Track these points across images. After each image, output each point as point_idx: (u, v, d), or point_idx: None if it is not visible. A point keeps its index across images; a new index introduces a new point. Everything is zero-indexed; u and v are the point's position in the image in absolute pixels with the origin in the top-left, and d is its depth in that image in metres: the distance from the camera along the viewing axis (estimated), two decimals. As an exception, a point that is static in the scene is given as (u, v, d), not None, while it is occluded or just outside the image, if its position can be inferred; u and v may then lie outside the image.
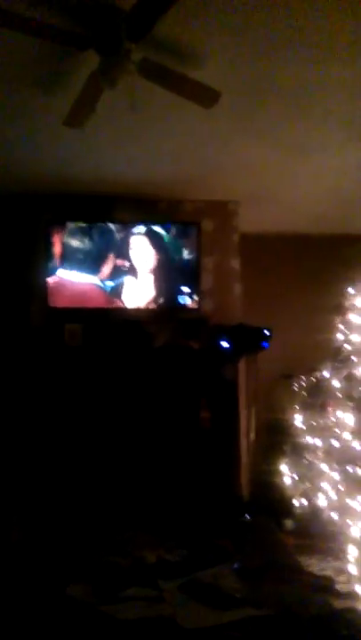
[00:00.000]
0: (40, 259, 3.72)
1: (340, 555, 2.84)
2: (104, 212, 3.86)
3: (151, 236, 3.77)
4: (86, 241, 3.73)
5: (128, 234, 3.75)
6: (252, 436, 3.79)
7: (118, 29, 2.14)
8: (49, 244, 3.69)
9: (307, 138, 3.14)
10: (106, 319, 3.67)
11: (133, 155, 3.33)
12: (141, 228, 3.76)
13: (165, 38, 2.30)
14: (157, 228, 3.76)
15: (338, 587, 2.47)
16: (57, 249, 3.70)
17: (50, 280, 3.68)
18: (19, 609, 2.07)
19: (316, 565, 2.81)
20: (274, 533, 3.02)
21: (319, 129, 3.05)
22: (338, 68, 2.52)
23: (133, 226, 3.75)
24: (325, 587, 2.41)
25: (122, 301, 3.72)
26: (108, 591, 2.15)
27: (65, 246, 3.71)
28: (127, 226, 3.75)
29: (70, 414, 3.46)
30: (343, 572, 2.68)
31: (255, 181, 3.72)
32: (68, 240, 3.72)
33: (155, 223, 3.77)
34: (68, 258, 3.71)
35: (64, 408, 3.46)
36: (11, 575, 2.40)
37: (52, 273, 3.69)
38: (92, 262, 3.72)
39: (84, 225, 3.73)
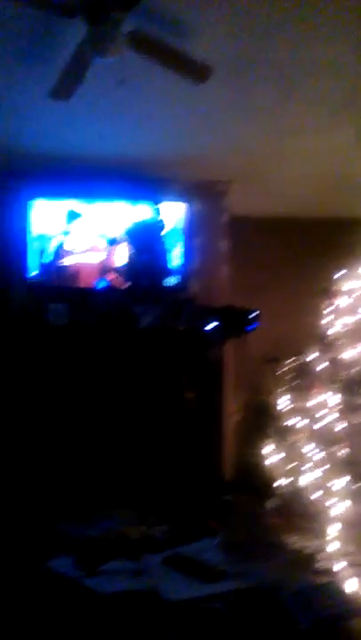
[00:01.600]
0: (20, 236, 3.66)
1: (321, 534, 2.87)
2: (89, 188, 3.81)
3: (138, 215, 3.73)
4: (69, 218, 3.68)
5: (115, 212, 3.70)
6: (237, 417, 3.80)
7: (107, -3, 2.09)
8: (29, 221, 3.63)
9: (299, 118, 3.12)
10: (91, 299, 3.64)
11: (120, 131, 3.28)
12: (128, 207, 3.72)
13: (157, 10, 2.25)
14: (145, 208, 3.73)
15: (318, 564, 2.50)
16: (38, 225, 3.65)
17: (30, 257, 3.62)
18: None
19: (297, 543, 2.83)
20: (256, 512, 3.04)
21: (312, 110, 3.03)
22: (333, 49, 2.50)
23: (120, 204, 3.70)
24: (306, 563, 2.44)
25: (108, 281, 3.69)
26: (89, 565, 2.15)
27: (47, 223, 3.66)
28: (114, 204, 3.70)
29: (54, 393, 3.43)
30: (324, 550, 2.71)
31: (246, 162, 3.69)
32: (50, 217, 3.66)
33: (142, 202, 3.73)
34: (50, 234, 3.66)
35: (48, 388, 3.44)
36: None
37: (34, 250, 3.64)
38: (74, 238, 3.67)
39: (65, 201, 3.67)
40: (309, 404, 3.32)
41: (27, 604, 1.91)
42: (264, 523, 2.88)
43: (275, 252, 4.45)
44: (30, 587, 2.03)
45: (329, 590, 2.01)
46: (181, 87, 2.68)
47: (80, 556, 2.20)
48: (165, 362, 3.56)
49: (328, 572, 2.45)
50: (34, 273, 3.63)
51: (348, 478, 2.72)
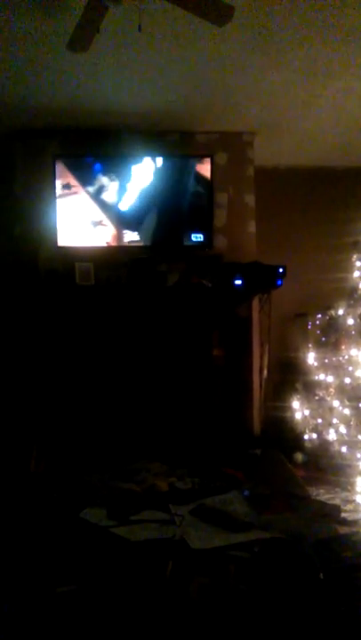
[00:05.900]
0: (47, 196, 3.65)
1: (348, 486, 2.92)
2: (112, 144, 3.74)
3: (162, 170, 3.65)
4: (94, 176, 3.64)
5: (138, 168, 3.64)
6: (265, 373, 3.82)
7: None
8: (55, 181, 3.61)
9: (326, 60, 2.94)
10: (117, 257, 3.64)
11: (140, 83, 3.16)
12: (152, 162, 3.64)
13: None
14: (168, 162, 3.64)
15: (344, 515, 2.55)
16: (64, 184, 3.63)
17: (58, 218, 3.62)
18: (36, 530, 2.19)
19: (324, 495, 2.89)
20: (284, 465, 3.09)
21: (340, 49, 2.84)
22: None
23: (143, 159, 3.63)
24: (332, 514, 2.48)
25: (134, 239, 3.67)
26: (121, 515, 2.26)
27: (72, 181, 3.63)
28: (137, 159, 3.64)
29: (85, 351, 3.51)
30: (350, 501, 2.76)
31: (271, 110, 3.52)
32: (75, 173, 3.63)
33: (165, 156, 3.65)
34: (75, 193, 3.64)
35: (79, 345, 3.51)
36: (30, 502, 2.53)
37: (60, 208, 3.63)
38: (99, 198, 3.64)
39: (89, 160, 3.63)
40: (337, 359, 3.30)
41: (61, 551, 2.03)
42: (291, 475, 2.94)
43: (303, 204, 4.31)
44: (64, 536, 2.15)
45: (351, 541, 2.05)
46: (202, 33, 2.55)
47: (112, 506, 2.31)
48: (194, 319, 3.57)
49: (354, 522, 2.51)
50: (61, 233, 3.63)
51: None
